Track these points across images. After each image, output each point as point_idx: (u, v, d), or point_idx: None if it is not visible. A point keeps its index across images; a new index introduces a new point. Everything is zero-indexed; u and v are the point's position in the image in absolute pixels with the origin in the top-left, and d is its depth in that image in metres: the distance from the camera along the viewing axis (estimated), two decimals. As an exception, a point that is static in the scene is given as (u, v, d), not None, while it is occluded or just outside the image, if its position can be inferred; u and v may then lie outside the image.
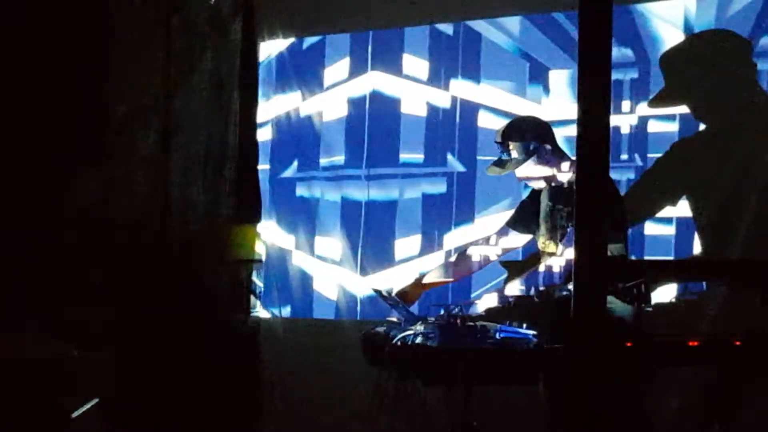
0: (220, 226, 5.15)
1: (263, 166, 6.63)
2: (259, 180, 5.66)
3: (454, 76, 6.39)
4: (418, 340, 4.41)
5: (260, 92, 6.39)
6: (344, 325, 6.29)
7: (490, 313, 4.58)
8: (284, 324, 6.52)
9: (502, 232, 5.29)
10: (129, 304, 4.85)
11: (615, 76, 5.71)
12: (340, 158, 6.69)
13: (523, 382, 4.38)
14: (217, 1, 5.21)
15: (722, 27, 5.57)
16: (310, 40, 6.79)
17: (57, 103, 4.86)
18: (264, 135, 6.69)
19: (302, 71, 6.79)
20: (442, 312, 4.46)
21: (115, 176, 4.99)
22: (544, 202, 5.04)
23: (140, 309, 4.86)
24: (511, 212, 5.37)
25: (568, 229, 4.90)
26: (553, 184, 5.02)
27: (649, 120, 5.80)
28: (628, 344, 4.00)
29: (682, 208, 5.58)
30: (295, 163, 6.81)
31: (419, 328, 4.48)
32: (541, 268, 4.98)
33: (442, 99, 6.42)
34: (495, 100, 6.26)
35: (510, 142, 5.04)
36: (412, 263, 6.39)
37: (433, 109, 6.46)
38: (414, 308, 5.10)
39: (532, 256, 5.21)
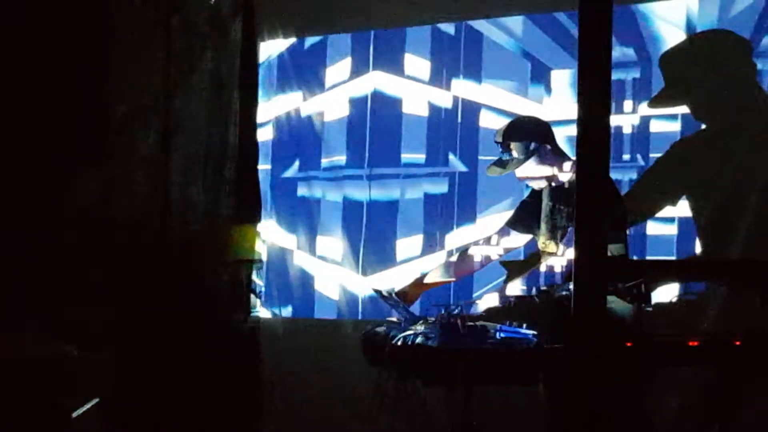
0: (220, 226, 5.14)
1: (265, 166, 6.64)
2: (259, 180, 5.66)
3: (456, 76, 6.39)
4: (418, 340, 4.41)
5: (262, 92, 6.41)
6: (344, 325, 6.28)
7: (490, 313, 4.59)
8: (284, 324, 6.53)
9: (502, 232, 5.29)
10: (129, 304, 4.85)
11: (617, 75, 5.76)
12: (341, 158, 6.68)
13: (523, 382, 4.38)
14: (217, 1, 5.20)
15: (724, 27, 5.56)
16: (311, 40, 6.79)
17: (57, 103, 4.86)
18: (265, 135, 6.70)
19: (304, 71, 6.79)
20: (442, 312, 4.46)
21: (115, 176, 4.99)
22: (545, 202, 5.04)
23: (140, 309, 4.86)
24: (512, 212, 5.37)
25: (569, 229, 4.91)
26: (553, 183, 5.02)
27: (651, 120, 5.80)
28: (628, 344, 3.99)
29: (685, 208, 5.58)
30: (297, 163, 6.81)
31: (419, 328, 4.48)
32: (542, 268, 4.99)
33: (443, 99, 6.42)
34: (497, 100, 6.26)
35: (510, 142, 5.04)
36: (414, 263, 6.39)
37: (434, 109, 6.46)
38: (414, 308, 5.10)
39: (532, 255, 5.21)
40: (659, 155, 5.71)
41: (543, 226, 5.04)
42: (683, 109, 5.63)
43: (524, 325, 4.41)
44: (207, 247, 5.11)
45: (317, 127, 6.73)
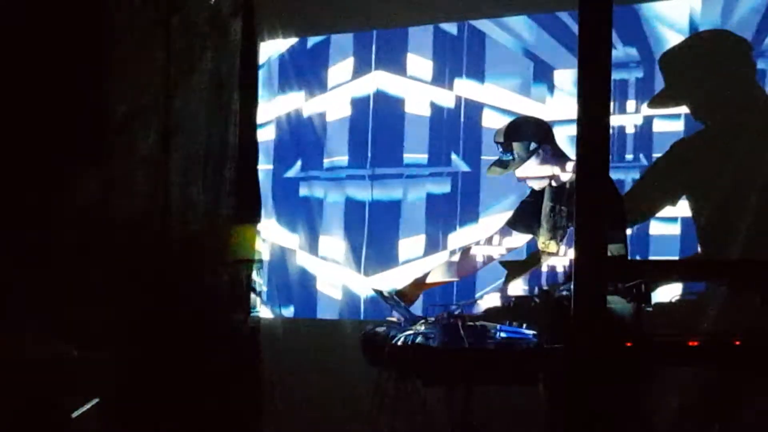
0: (220, 226, 5.14)
1: (267, 167, 6.64)
2: (259, 180, 5.66)
3: (459, 76, 6.38)
4: (418, 340, 4.41)
5: (263, 92, 6.42)
6: (345, 325, 6.28)
7: (491, 313, 4.58)
8: (284, 324, 6.53)
9: (503, 232, 5.28)
10: (129, 304, 4.86)
11: (620, 75, 5.76)
12: (343, 158, 6.68)
13: (523, 382, 4.38)
14: (217, 1, 5.20)
15: (727, 27, 5.56)
16: (313, 40, 6.78)
17: (57, 103, 4.87)
18: (267, 135, 6.70)
19: (306, 71, 6.78)
20: (442, 312, 4.46)
21: (115, 176, 5.00)
22: (545, 202, 5.04)
23: (140, 309, 4.87)
24: (512, 212, 5.36)
25: (569, 229, 4.90)
26: (554, 183, 5.01)
27: (654, 119, 5.79)
28: (628, 344, 3.99)
29: (687, 208, 5.57)
30: (299, 163, 6.80)
31: (419, 328, 4.48)
32: (543, 267, 4.98)
33: (446, 99, 6.42)
34: (499, 100, 6.25)
35: (511, 142, 5.03)
36: (416, 263, 6.38)
37: (437, 109, 6.45)
38: (414, 308, 5.09)
39: (532, 255, 5.20)
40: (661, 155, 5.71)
41: (543, 226, 5.04)
42: (686, 109, 5.62)
43: (524, 325, 4.40)
44: (207, 247, 5.11)
45: (319, 127, 6.72)
